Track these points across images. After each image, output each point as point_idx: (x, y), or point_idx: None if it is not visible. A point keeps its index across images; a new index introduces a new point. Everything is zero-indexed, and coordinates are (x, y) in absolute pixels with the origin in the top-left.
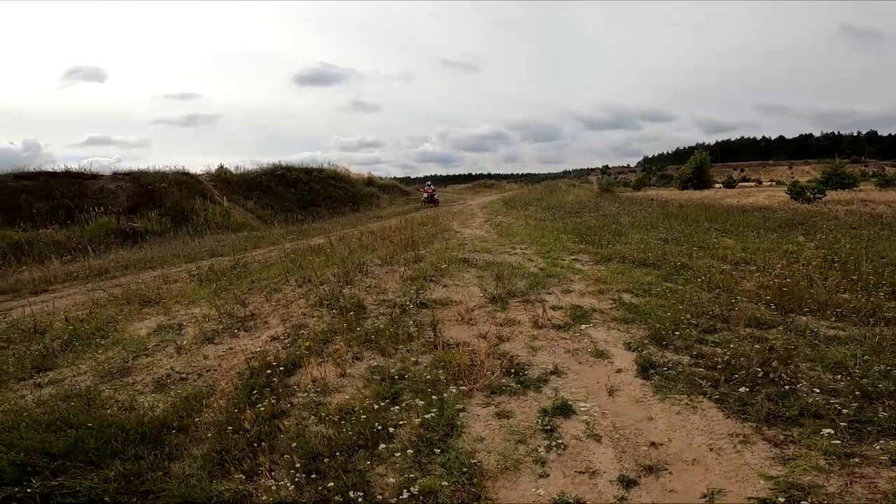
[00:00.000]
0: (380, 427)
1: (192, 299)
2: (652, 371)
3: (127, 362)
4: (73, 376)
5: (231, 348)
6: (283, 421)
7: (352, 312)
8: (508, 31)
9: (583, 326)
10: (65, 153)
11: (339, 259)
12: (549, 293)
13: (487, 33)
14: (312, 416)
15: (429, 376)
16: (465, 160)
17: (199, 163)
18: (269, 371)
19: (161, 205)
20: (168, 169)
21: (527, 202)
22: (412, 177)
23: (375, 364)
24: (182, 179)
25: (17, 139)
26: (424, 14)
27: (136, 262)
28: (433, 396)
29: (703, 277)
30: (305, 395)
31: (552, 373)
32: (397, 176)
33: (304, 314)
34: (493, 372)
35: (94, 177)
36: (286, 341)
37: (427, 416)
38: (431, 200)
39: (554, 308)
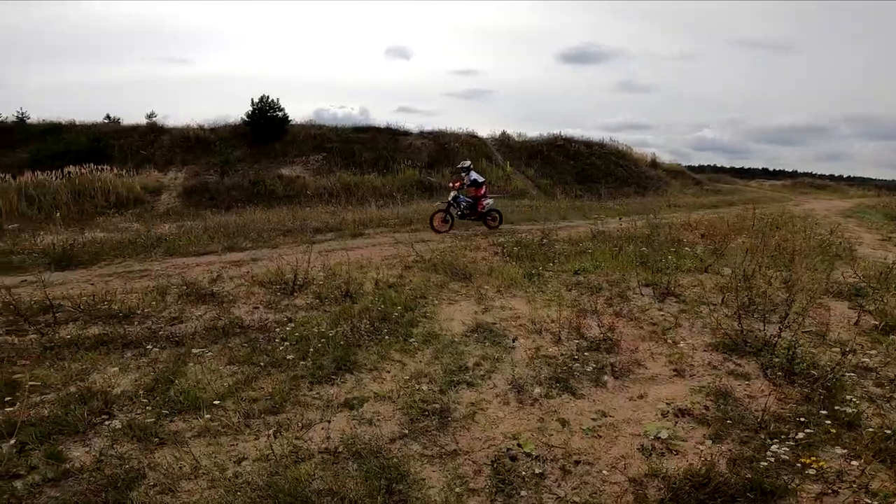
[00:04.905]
0: None
1: (504, 282)
2: None
3: (444, 393)
4: (375, 399)
5: (604, 413)
6: None
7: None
8: (832, 10)
9: None
10: (384, 118)
11: (696, 259)
12: None
13: (800, 11)
14: None
15: None
16: (757, 153)
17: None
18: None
19: (453, 164)
20: (461, 131)
21: None
22: (683, 164)
23: None
24: (471, 141)
25: (356, 106)
26: None
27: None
28: None
29: None
30: None
31: None
32: (666, 161)
33: (714, 366)
34: None
35: (406, 134)
36: (711, 423)
37: None
38: (477, 213)
39: None
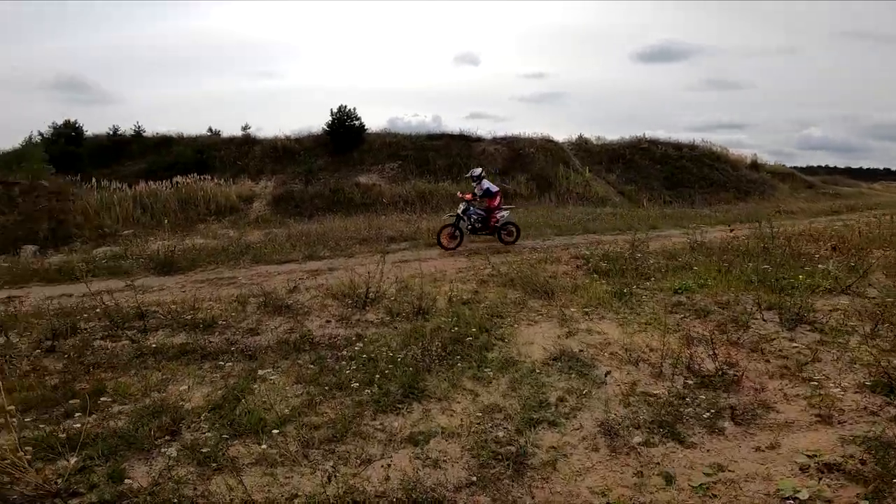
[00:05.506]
0: None
1: (590, 301)
2: None
3: (521, 433)
4: (442, 435)
5: (721, 466)
6: None
7: None
8: None
9: None
10: (455, 125)
11: (829, 277)
12: None
13: None
14: None
15: None
16: (878, 151)
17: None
18: None
19: (528, 170)
20: (536, 136)
21: None
22: (787, 165)
23: None
24: (547, 146)
25: (428, 113)
26: None
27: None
28: None
29: None
30: None
31: None
32: (769, 162)
33: (872, 411)
34: None
35: (479, 140)
36: (869, 480)
37: None
38: (489, 227)
39: None
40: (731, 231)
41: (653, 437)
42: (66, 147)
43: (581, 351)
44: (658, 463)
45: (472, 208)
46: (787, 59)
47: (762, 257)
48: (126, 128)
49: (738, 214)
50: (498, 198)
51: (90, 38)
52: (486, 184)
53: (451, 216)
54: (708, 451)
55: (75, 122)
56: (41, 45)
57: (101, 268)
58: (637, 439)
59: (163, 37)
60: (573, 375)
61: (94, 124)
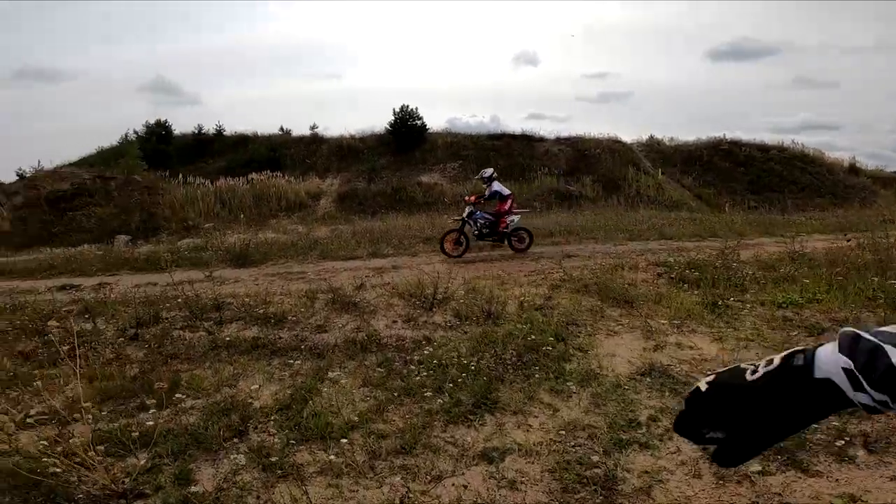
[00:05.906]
0: None
1: (677, 312)
2: None
3: (608, 454)
4: (519, 452)
5: (853, 497)
6: None
7: None
8: None
9: None
10: (514, 126)
11: None
12: None
13: None
14: None
15: None
16: None
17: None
18: None
19: (594, 171)
20: (602, 136)
21: None
22: (888, 168)
23: None
24: (614, 147)
25: (486, 113)
26: None
27: (577, 229)
28: None
29: None
30: None
31: None
32: (869, 166)
33: None
34: None
35: (541, 140)
36: None
37: None
38: (498, 233)
39: None
40: (848, 240)
41: (769, 464)
42: (157, 145)
43: (671, 366)
44: (778, 493)
45: (478, 212)
46: (883, 56)
47: (882, 271)
48: (209, 127)
49: (839, 223)
50: (509, 202)
51: (176, 41)
52: (496, 186)
53: (455, 220)
54: (836, 480)
55: (165, 122)
56: (131, 47)
57: (184, 259)
58: (754, 467)
59: (237, 39)
60: (666, 393)
61: (182, 124)
